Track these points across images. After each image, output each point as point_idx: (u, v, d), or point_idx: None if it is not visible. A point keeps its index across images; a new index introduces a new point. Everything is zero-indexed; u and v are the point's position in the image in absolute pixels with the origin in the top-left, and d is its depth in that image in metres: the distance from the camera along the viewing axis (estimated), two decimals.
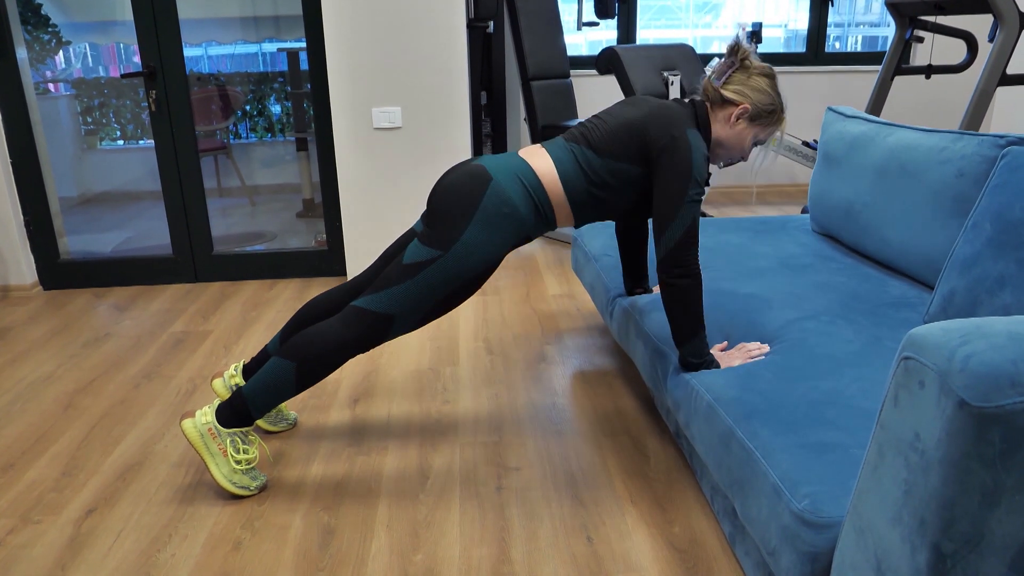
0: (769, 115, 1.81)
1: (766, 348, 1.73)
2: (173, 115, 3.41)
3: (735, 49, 1.81)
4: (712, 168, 5.27)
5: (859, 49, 6.21)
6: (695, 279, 1.71)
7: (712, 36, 6.50)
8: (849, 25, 6.03)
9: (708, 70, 1.87)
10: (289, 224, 4.00)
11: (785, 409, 1.40)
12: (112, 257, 3.61)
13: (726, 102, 1.80)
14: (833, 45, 5.35)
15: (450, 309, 1.79)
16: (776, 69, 5.15)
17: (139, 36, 3.30)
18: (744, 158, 1.89)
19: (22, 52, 3.41)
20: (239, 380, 2.08)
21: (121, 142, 4.04)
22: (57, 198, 3.65)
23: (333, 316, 1.86)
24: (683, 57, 3.46)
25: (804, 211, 3.99)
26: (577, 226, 1.92)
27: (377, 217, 3.29)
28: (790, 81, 5.19)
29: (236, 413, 1.81)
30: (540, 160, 1.80)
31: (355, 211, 3.29)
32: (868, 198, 2.21)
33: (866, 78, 5.21)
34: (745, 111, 1.79)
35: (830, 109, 2.53)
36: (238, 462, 1.84)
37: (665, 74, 3.34)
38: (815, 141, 4.74)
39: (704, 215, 4.41)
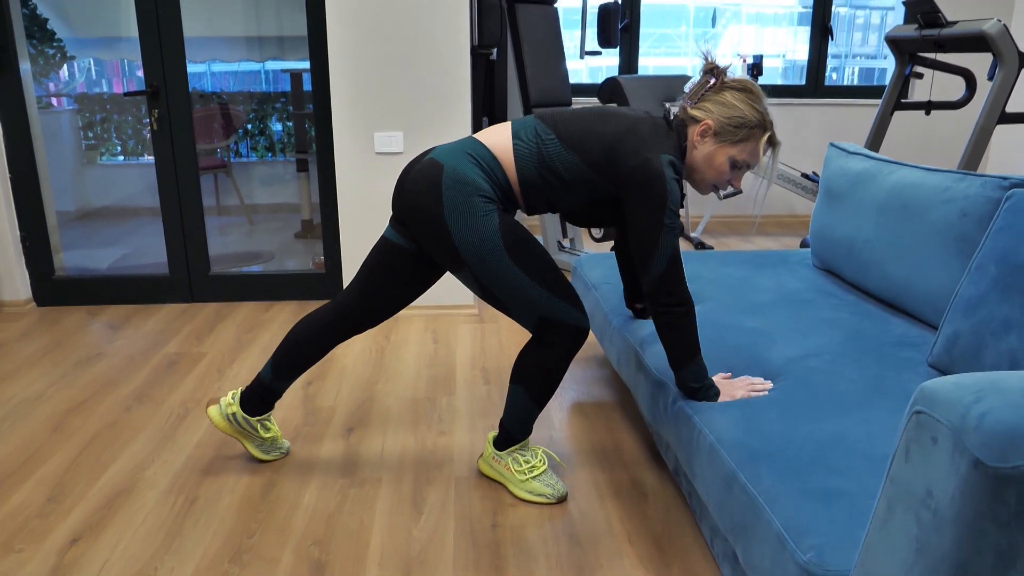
0: (737, 130, 1.69)
1: (769, 384, 1.70)
2: (174, 134, 3.40)
3: (709, 68, 1.74)
4: (711, 199, 5.26)
5: (856, 80, 6.26)
6: (686, 306, 1.68)
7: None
8: (846, 56, 6.08)
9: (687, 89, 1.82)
10: (287, 245, 3.98)
11: (790, 452, 1.37)
12: (107, 275, 3.58)
13: (695, 122, 1.73)
14: (831, 76, 5.38)
15: (547, 262, 1.78)
16: (775, 101, 5.18)
17: (144, 55, 3.30)
18: (732, 183, 1.77)
19: (26, 66, 3.41)
20: (235, 408, 2.04)
21: (121, 158, 4.04)
22: (55, 213, 3.63)
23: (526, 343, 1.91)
24: (683, 87, 3.47)
25: (804, 244, 3.99)
26: (527, 211, 1.85)
27: (376, 241, 3.27)
28: (790, 113, 5.21)
29: None
30: (497, 135, 1.78)
31: (354, 235, 3.27)
32: (870, 235, 2.20)
33: (865, 111, 5.24)
34: (707, 128, 1.70)
35: (832, 145, 2.53)
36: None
37: (667, 104, 3.35)
38: (815, 173, 4.75)
39: (704, 246, 4.40)
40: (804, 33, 5.26)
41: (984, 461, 0.78)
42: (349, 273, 3.32)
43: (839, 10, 5.41)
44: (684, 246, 4.56)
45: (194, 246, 3.52)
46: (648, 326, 2.09)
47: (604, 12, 4.13)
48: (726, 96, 1.70)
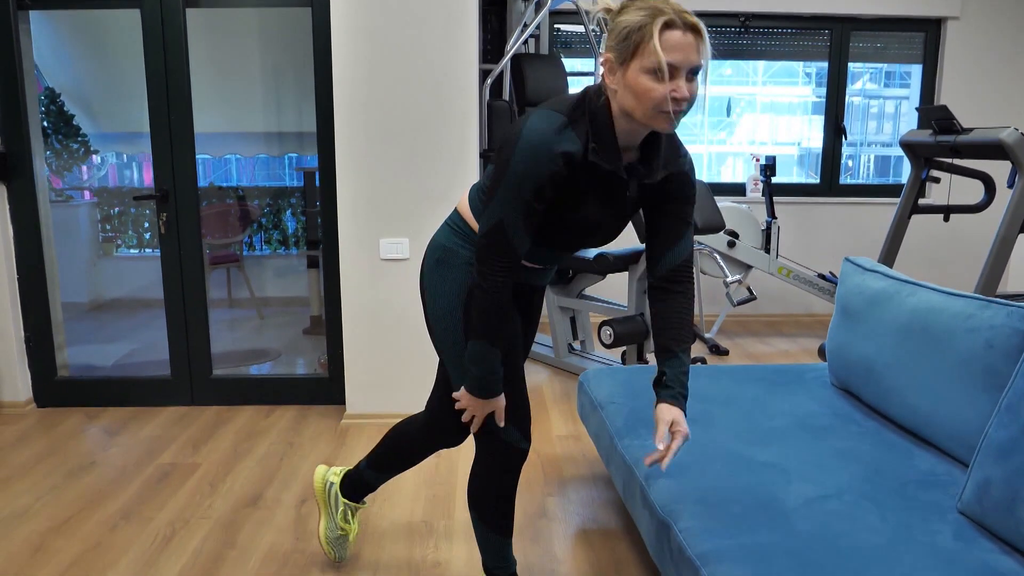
0: (627, 41, 1.39)
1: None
2: (182, 239, 3.40)
3: (597, 18, 1.49)
4: (724, 300, 5.16)
5: (872, 168, 6.24)
6: (486, 285, 1.52)
7: (727, 152, 6.59)
8: (861, 144, 6.09)
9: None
10: (295, 341, 3.92)
11: None
12: (108, 377, 3.52)
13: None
14: (846, 164, 5.37)
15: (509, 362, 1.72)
16: (791, 199, 5.15)
17: (154, 159, 3.34)
18: (677, 96, 1.38)
19: (41, 167, 3.45)
20: (336, 480, 2.13)
21: (136, 250, 4.05)
22: (61, 311, 3.61)
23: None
24: (696, 192, 3.44)
25: (821, 350, 3.87)
26: None
27: (380, 348, 3.21)
28: (805, 212, 5.17)
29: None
30: (464, 194, 1.78)
31: (358, 340, 3.21)
32: (890, 358, 2.09)
33: (881, 210, 5.19)
34: (607, 61, 1.44)
35: (847, 260, 2.45)
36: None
37: None
38: (832, 274, 4.67)
39: (719, 349, 4.29)
40: (818, 121, 5.27)
41: None
42: (352, 379, 3.24)
43: (853, 99, 5.44)
44: (698, 347, 4.45)
45: (197, 349, 3.47)
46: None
47: None
48: (614, 26, 1.43)
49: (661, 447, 1.54)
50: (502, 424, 1.70)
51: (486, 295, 1.53)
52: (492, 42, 4.30)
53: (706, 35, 1.38)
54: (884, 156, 6.26)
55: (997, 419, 1.57)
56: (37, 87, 3.66)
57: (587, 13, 1.38)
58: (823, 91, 5.22)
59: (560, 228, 1.57)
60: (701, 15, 5.04)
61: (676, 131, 1.58)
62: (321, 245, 3.43)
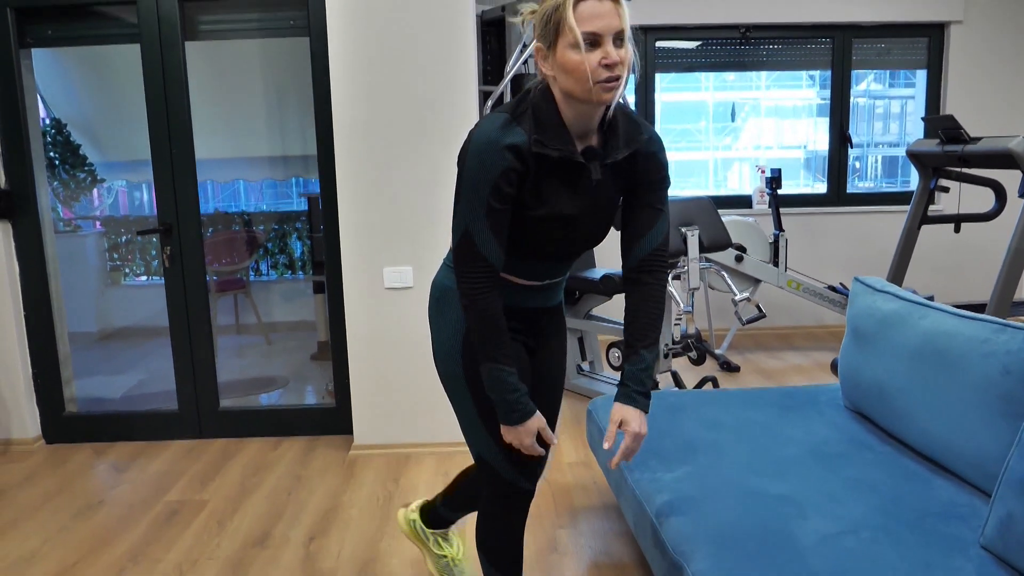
0: (548, 25, 1.42)
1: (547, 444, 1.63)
2: (186, 271, 3.39)
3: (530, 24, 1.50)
4: (732, 316, 5.11)
5: (879, 169, 6.19)
6: (466, 297, 1.50)
7: (732, 158, 6.54)
8: (868, 146, 6.03)
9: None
10: (303, 367, 3.91)
11: None
12: (116, 412, 3.51)
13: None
14: (853, 165, 5.31)
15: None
16: (798, 210, 5.11)
17: (157, 194, 3.33)
18: (608, 66, 1.37)
19: (45, 202, 3.45)
20: (415, 516, 2.18)
21: (144, 278, 4.06)
22: (68, 347, 3.61)
23: None
24: (701, 210, 3.40)
25: (834, 365, 3.81)
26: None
27: (386, 378, 3.18)
28: (812, 222, 5.12)
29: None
30: None
31: (364, 371, 3.18)
32: (903, 382, 2.05)
33: (889, 218, 5.13)
34: (538, 51, 1.46)
35: (857, 280, 2.41)
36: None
37: (683, 230, 3.28)
38: (843, 285, 4.62)
39: (730, 366, 4.24)
40: (824, 124, 5.22)
41: None
42: (358, 410, 3.22)
43: (858, 100, 5.39)
44: (710, 365, 4.40)
45: (203, 382, 3.45)
46: (665, 493, 1.93)
47: None
48: (536, 16, 1.47)
49: (607, 446, 1.55)
50: (554, 443, 1.61)
51: (472, 308, 1.50)
52: (492, 63, 4.29)
53: (623, 1, 1.39)
54: (891, 157, 6.21)
55: (1018, 451, 1.52)
56: (42, 118, 3.68)
57: (527, 24, 1.34)
58: (827, 93, 5.17)
59: (538, 231, 1.53)
60: (700, 28, 5.02)
61: (640, 117, 1.58)
62: (325, 273, 3.41)
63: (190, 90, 3.29)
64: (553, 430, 1.75)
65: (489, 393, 1.54)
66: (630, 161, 1.57)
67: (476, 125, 1.49)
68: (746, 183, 6.18)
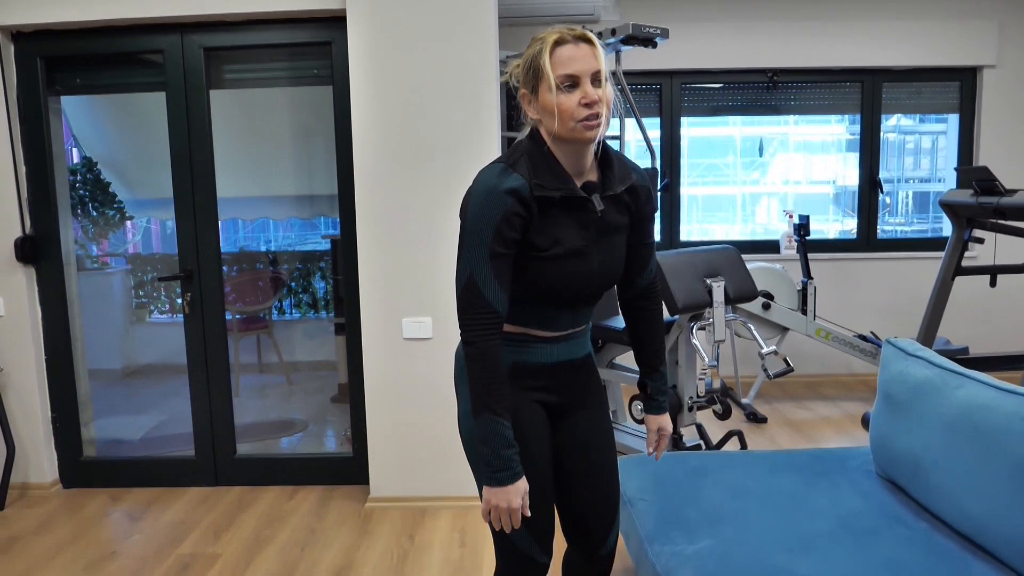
0: (529, 71, 1.50)
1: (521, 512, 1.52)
2: (206, 318, 3.39)
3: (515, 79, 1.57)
4: (758, 364, 5.01)
5: (910, 205, 6.09)
6: (471, 346, 1.48)
7: (760, 193, 6.47)
8: (899, 181, 5.94)
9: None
10: (323, 409, 3.88)
11: None
12: (133, 457, 3.50)
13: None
14: (884, 201, 5.23)
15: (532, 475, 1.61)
16: (828, 255, 5.01)
17: (179, 238, 3.34)
18: (587, 104, 1.44)
19: (69, 241, 3.48)
20: None
21: (168, 315, 4.08)
22: (89, 389, 3.62)
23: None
24: (726, 260, 3.33)
25: (865, 420, 3.69)
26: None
27: (404, 429, 3.13)
28: (843, 268, 5.02)
29: None
30: None
31: (381, 421, 3.14)
32: (938, 456, 1.95)
33: (921, 265, 5.01)
34: (523, 96, 1.53)
35: (889, 343, 2.33)
36: None
37: (708, 281, 3.21)
38: (873, 334, 4.50)
39: (757, 416, 4.13)
40: (853, 159, 5.15)
41: None
42: (375, 461, 3.16)
43: (888, 136, 5.32)
44: (736, 416, 4.29)
45: (221, 429, 3.43)
46: (686, 568, 1.85)
47: None
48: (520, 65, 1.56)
49: (657, 456, 1.85)
50: (527, 514, 1.53)
51: (474, 356, 1.48)
52: (515, 108, 4.30)
53: (598, 43, 1.47)
54: (923, 192, 6.10)
55: None
56: (73, 158, 3.74)
57: (513, 77, 1.44)
58: (856, 128, 5.10)
59: (554, 272, 1.54)
60: (728, 72, 4.99)
61: (635, 159, 1.69)
62: (342, 327, 3.39)
63: (219, 130, 3.32)
64: (612, 523, 1.72)
65: (481, 446, 1.49)
66: (631, 194, 1.63)
67: (475, 178, 1.53)
68: (774, 218, 6.11)
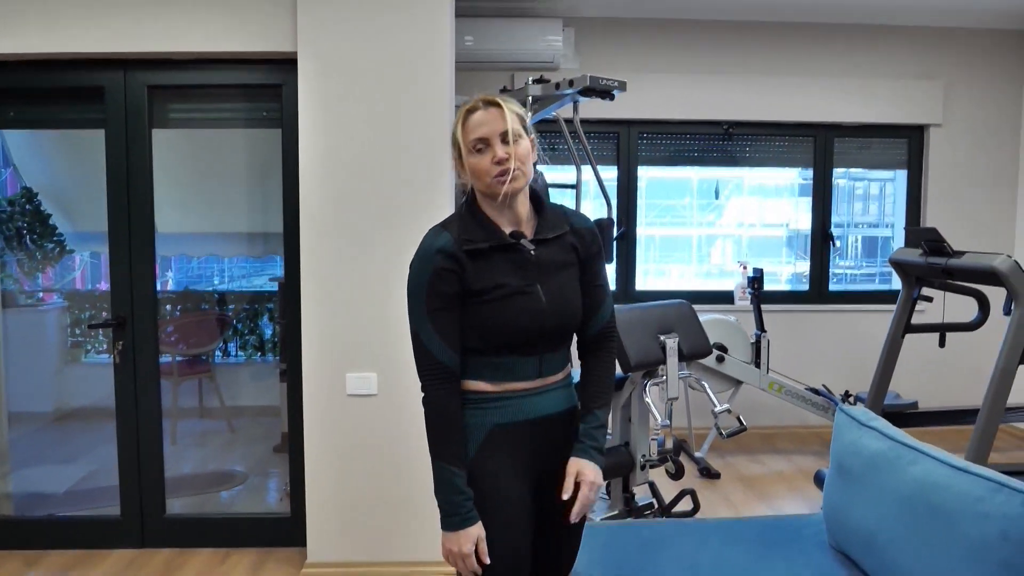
0: (454, 141, 1.67)
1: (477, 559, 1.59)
2: (138, 369, 3.21)
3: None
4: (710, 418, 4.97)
5: (860, 248, 6.24)
6: (425, 397, 1.64)
7: (716, 234, 6.56)
8: (849, 226, 6.09)
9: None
10: (265, 459, 3.71)
11: None
12: (51, 518, 3.28)
13: None
14: (833, 245, 5.33)
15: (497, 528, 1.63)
16: (780, 308, 5.02)
17: (112, 283, 3.17)
18: (497, 163, 1.59)
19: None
20: None
21: (106, 355, 3.87)
22: (7, 439, 3.40)
23: None
24: (680, 317, 3.29)
25: (818, 477, 3.65)
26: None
27: (345, 490, 2.98)
28: (795, 320, 5.04)
29: None
30: None
31: (321, 481, 2.98)
32: (893, 532, 1.90)
33: (872, 318, 5.06)
34: (455, 163, 1.69)
35: (841, 410, 2.28)
36: None
37: (662, 338, 3.15)
38: (825, 388, 4.50)
39: (710, 472, 4.07)
40: (805, 203, 5.25)
41: None
42: (313, 521, 3.00)
43: (839, 182, 5.43)
44: (690, 472, 4.22)
45: (150, 486, 3.23)
46: None
47: (598, 227, 4.05)
48: None
49: (565, 498, 1.63)
50: (487, 560, 1.58)
51: (428, 405, 1.63)
52: None
53: (506, 104, 1.60)
54: (871, 237, 6.27)
55: None
56: (8, 189, 3.57)
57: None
58: (809, 173, 5.20)
59: (503, 315, 1.62)
60: (684, 123, 5.02)
61: (572, 206, 1.74)
62: (285, 374, 3.24)
63: (168, 164, 3.19)
64: (511, 546, 1.67)
65: (435, 494, 1.60)
66: (576, 235, 1.73)
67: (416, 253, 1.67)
68: (728, 259, 6.20)
